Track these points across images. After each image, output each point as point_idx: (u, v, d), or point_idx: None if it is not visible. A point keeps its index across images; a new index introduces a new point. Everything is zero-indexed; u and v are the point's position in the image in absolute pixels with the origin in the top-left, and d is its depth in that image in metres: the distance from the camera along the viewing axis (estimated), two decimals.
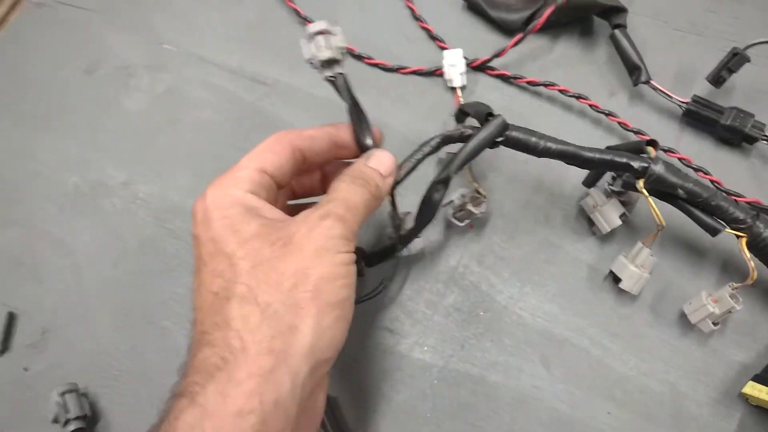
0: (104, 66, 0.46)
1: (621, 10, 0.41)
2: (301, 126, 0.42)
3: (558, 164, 0.33)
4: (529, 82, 0.41)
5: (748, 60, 0.37)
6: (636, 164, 0.32)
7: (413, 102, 0.42)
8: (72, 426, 0.35)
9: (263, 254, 0.24)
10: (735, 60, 0.37)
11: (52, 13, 0.48)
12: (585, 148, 0.32)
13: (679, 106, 0.39)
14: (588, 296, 0.36)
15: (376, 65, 0.43)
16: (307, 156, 0.30)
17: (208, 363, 0.22)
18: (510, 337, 0.35)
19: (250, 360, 0.22)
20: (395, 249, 0.34)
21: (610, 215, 0.35)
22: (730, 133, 0.38)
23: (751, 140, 0.38)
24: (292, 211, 0.29)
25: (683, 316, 0.34)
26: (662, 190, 0.32)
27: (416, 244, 0.36)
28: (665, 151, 0.38)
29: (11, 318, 0.39)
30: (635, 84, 0.40)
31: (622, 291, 0.35)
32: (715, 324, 0.33)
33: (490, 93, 0.42)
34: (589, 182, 0.37)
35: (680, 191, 0.32)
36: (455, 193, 0.36)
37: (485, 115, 0.32)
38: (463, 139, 0.32)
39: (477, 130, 0.32)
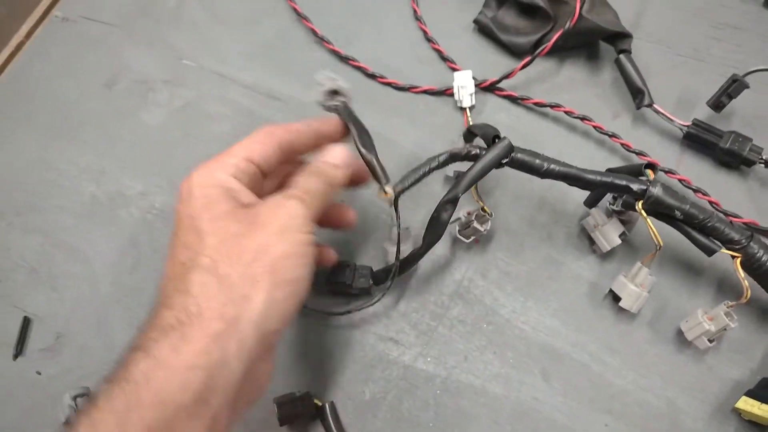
0: (124, 80, 0.49)
1: (626, 36, 0.44)
2: None
3: (561, 184, 0.36)
4: (536, 103, 0.45)
5: (747, 86, 0.40)
6: (635, 187, 0.35)
7: (424, 120, 0.45)
8: None
9: (230, 230, 0.27)
10: (735, 86, 0.40)
11: (75, 28, 0.52)
12: (587, 171, 0.35)
13: (680, 129, 0.42)
14: (588, 312, 0.39)
15: (388, 84, 0.47)
16: (295, 147, 0.33)
17: (165, 323, 0.25)
18: (512, 350, 0.38)
19: (204, 323, 0.25)
20: (402, 268, 0.37)
21: (610, 234, 0.38)
22: (729, 156, 0.40)
23: (749, 163, 0.40)
24: None
25: (680, 333, 0.37)
26: (660, 212, 0.35)
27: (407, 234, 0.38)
28: (666, 172, 0.41)
29: (26, 323, 0.42)
30: (638, 107, 0.43)
31: (621, 308, 0.37)
32: (710, 341, 0.36)
33: (498, 113, 0.45)
34: (591, 202, 0.40)
35: (678, 213, 0.34)
36: (461, 211, 0.39)
37: (492, 138, 0.35)
38: (470, 157, 0.35)
39: (484, 150, 0.35)
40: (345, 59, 0.48)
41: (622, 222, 0.38)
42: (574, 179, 0.36)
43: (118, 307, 0.42)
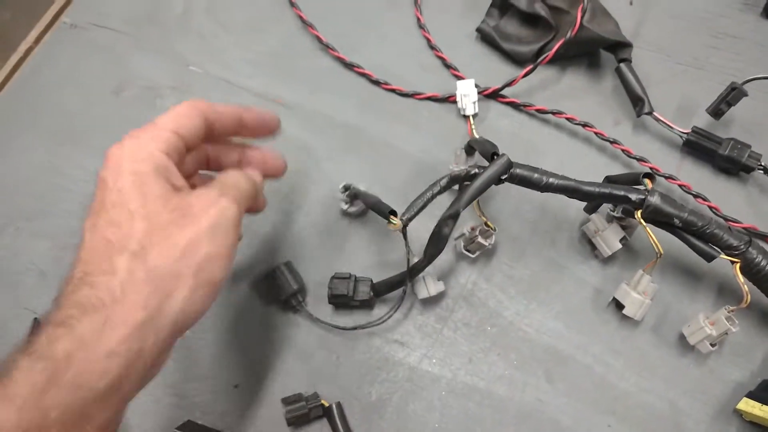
0: (132, 86, 0.50)
1: (626, 45, 0.45)
2: (321, 146, 0.46)
3: None
4: (538, 110, 0.45)
5: (745, 94, 0.41)
6: (633, 197, 0.35)
7: (427, 127, 0.46)
8: None
9: (161, 218, 0.27)
10: (733, 94, 0.41)
11: (84, 34, 0.53)
12: (585, 183, 0.36)
13: (680, 136, 0.43)
14: (591, 315, 0.39)
15: (392, 90, 0.47)
16: (216, 128, 0.33)
17: (86, 301, 0.25)
18: (516, 352, 0.39)
19: (127, 309, 0.25)
20: (403, 282, 0.38)
21: (610, 240, 0.39)
22: (728, 162, 0.41)
23: (748, 170, 0.41)
24: (198, 182, 0.34)
25: (682, 338, 0.38)
26: (660, 220, 0.36)
27: (438, 287, 0.39)
28: (666, 177, 0.42)
29: (36, 324, 0.43)
30: (639, 115, 0.43)
31: (625, 315, 0.38)
32: (712, 345, 0.36)
33: (501, 120, 0.46)
34: (591, 209, 0.40)
35: (676, 221, 0.35)
36: (465, 227, 0.40)
37: (491, 154, 0.36)
38: (470, 178, 0.36)
39: (483, 169, 0.35)
40: (350, 66, 0.48)
41: (623, 227, 0.39)
42: (572, 191, 0.36)
43: None
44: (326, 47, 0.49)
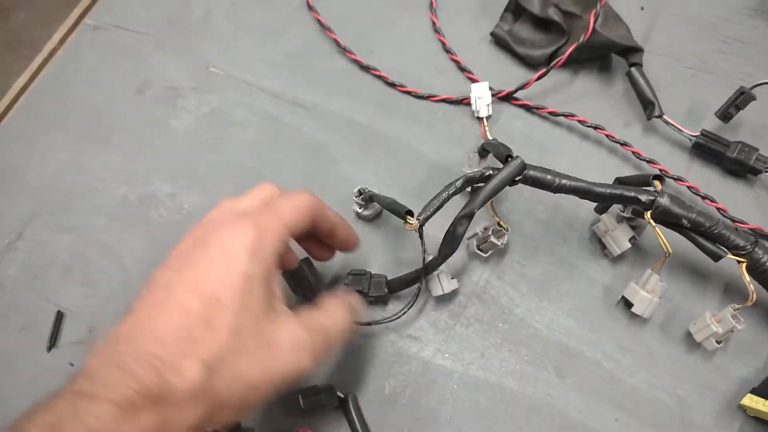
0: (154, 87, 0.52)
1: (638, 50, 0.46)
2: (338, 147, 0.48)
3: None
4: (550, 113, 0.47)
5: (754, 98, 0.42)
6: (644, 198, 0.36)
7: (442, 128, 0.47)
8: None
9: (245, 343, 0.27)
10: (742, 98, 0.42)
11: (107, 36, 0.55)
12: (596, 184, 0.37)
13: (689, 139, 0.44)
14: (601, 313, 0.40)
15: (408, 93, 0.49)
16: (318, 229, 0.35)
17: (146, 383, 0.25)
18: (527, 347, 0.40)
19: (184, 412, 0.26)
20: (418, 279, 0.39)
21: (620, 239, 0.40)
22: (736, 165, 0.42)
23: (756, 172, 0.42)
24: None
25: (689, 335, 0.39)
26: (668, 221, 0.37)
27: (452, 284, 0.40)
28: (675, 179, 0.43)
29: (60, 317, 0.44)
30: (649, 118, 0.45)
31: (634, 313, 0.39)
32: (718, 342, 0.37)
33: (514, 122, 0.47)
34: (601, 209, 0.42)
35: (685, 221, 0.36)
36: (478, 227, 0.41)
37: (505, 157, 0.37)
38: (485, 179, 0.37)
39: (497, 171, 0.36)
40: (366, 68, 0.50)
41: (632, 227, 0.40)
42: (584, 193, 0.38)
43: None
44: (344, 50, 0.50)
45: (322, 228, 0.35)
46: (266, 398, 0.28)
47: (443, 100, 0.48)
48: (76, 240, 0.46)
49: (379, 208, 0.44)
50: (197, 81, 0.51)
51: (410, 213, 0.36)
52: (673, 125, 0.44)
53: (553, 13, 0.47)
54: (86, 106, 0.52)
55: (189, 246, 0.30)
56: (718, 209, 0.42)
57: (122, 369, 0.25)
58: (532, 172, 0.37)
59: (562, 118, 0.47)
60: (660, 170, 0.43)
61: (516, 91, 0.47)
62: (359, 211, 0.44)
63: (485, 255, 0.41)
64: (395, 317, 0.39)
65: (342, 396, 0.39)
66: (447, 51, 0.50)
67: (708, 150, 0.43)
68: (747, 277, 0.36)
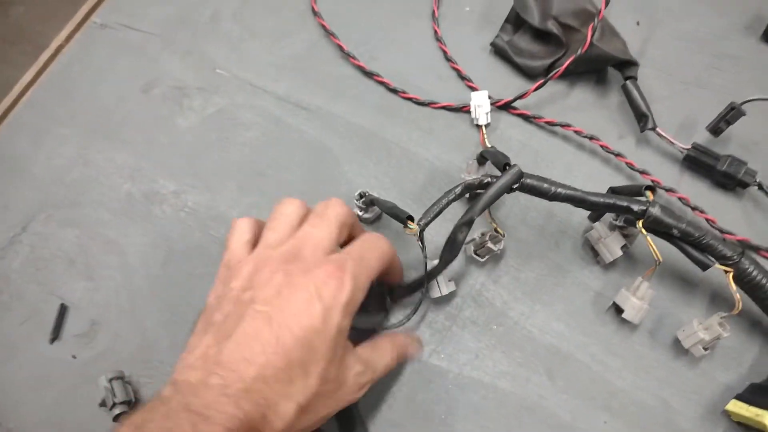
0: (160, 86, 0.52)
1: (633, 64, 0.47)
2: (340, 149, 0.49)
3: None
4: (547, 122, 0.48)
5: (743, 114, 0.43)
6: (636, 207, 0.37)
7: (442, 134, 0.48)
8: (118, 410, 0.40)
9: (327, 386, 0.31)
10: (732, 113, 0.44)
11: (114, 34, 0.55)
12: (590, 193, 0.38)
13: (681, 151, 0.45)
14: (592, 317, 0.41)
15: (409, 99, 0.50)
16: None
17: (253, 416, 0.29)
18: (520, 349, 0.41)
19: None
20: (421, 284, 0.40)
21: (612, 247, 0.41)
22: (726, 178, 0.44)
23: (744, 185, 0.43)
24: None
25: (677, 341, 0.40)
26: (659, 230, 0.38)
27: (450, 287, 0.41)
28: (667, 190, 0.44)
29: (63, 309, 0.45)
30: (642, 130, 0.46)
31: (623, 318, 0.40)
32: (705, 349, 0.38)
33: (512, 130, 0.48)
34: (594, 217, 0.43)
35: (675, 231, 0.37)
36: (476, 232, 0.42)
37: (503, 165, 0.38)
38: (483, 186, 0.38)
39: (495, 178, 0.37)
40: (369, 74, 0.51)
41: (624, 236, 0.41)
42: (579, 201, 0.39)
43: (150, 297, 0.44)
44: (348, 55, 0.51)
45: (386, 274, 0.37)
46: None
47: (443, 107, 0.49)
48: (81, 234, 0.47)
49: (379, 211, 0.45)
50: (204, 81, 0.52)
51: (411, 218, 0.37)
52: (665, 138, 0.45)
53: (552, 26, 0.48)
54: (93, 103, 0.52)
55: (281, 279, 0.32)
56: (708, 220, 0.43)
57: (230, 398, 0.28)
58: (529, 181, 0.38)
59: (558, 128, 0.48)
60: (652, 181, 0.45)
61: (514, 100, 0.48)
62: (360, 214, 0.44)
63: (482, 260, 0.42)
64: (400, 324, 0.40)
65: None
66: (448, 59, 0.51)
67: (699, 163, 0.45)
68: (734, 287, 0.37)
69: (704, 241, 0.37)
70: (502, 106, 0.49)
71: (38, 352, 0.43)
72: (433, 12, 0.53)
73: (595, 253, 0.43)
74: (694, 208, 0.43)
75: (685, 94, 0.49)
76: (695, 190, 0.45)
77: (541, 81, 0.47)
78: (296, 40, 0.53)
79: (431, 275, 0.39)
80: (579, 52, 0.46)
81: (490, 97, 0.48)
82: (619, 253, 0.41)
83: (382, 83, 0.51)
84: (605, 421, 0.39)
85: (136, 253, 0.46)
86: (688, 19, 0.52)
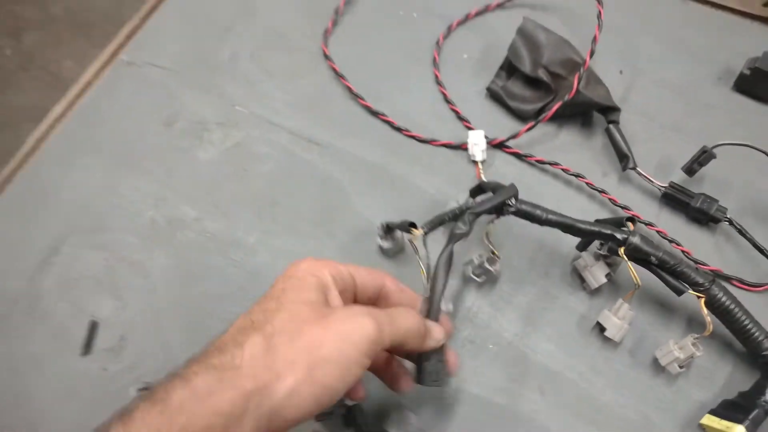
0: (182, 120, 0.57)
1: (615, 109, 0.52)
2: (349, 182, 0.53)
3: (557, 231, 0.43)
4: (537, 161, 0.52)
5: (714, 157, 0.48)
6: (618, 235, 0.42)
7: (441, 170, 0.53)
8: None
9: (302, 314, 0.31)
10: (704, 156, 0.49)
11: (139, 71, 0.60)
12: (579, 221, 0.43)
13: (659, 189, 0.50)
14: (578, 339, 0.45)
15: (412, 137, 0.55)
16: (388, 301, 0.37)
17: (209, 362, 0.29)
18: (513, 367, 0.45)
19: (240, 376, 0.28)
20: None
21: (597, 274, 0.45)
22: (699, 213, 0.48)
23: (716, 221, 0.48)
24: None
25: (655, 360, 0.44)
26: (639, 257, 0.42)
27: (449, 307, 0.45)
28: (646, 224, 0.48)
29: (93, 326, 0.48)
30: (624, 169, 0.51)
31: (606, 338, 0.44)
32: (681, 367, 0.42)
33: (506, 167, 0.53)
34: (581, 246, 0.47)
35: (653, 258, 0.42)
36: (474, 254, 0.46)
37: (500, 188, 0.43)
38: (484, 190, 0.43)
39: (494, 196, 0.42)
40: (375, 113, 0.56)
41: (608, 264, 0.45)
42: (567, 228, 0.43)
43: (174, 315, 0.48)
44: (356, 96, 0.56)
45: (394, 300, 0.37)
46: (329, 363, 0.30)
47: (443, 145, 0.54)
48: (108, 257, 0.50)
49: (400, 242, 0.48)
50: (223, 117, 0.57)
51: (413, 225, 0.41)
52: (645, 176, 0.50)
53: (542, 74, 0.53)
54: (119, 135, 0.56)
55: (311, 318, 0.31)
56: (683, 252, 0.47)
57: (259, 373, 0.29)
58: (524, 206, 0.43)
59: (548, 166, 0.52)
60: (633, 215, 0.49)
61: (508, 140, 0.53)
62: (381, 243, 0.48)
63: (479, 280, 0.46)
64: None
65: (349, 405, 0.43)
66: (447, 101, 0.56)
67: (675, 200, 0.49)
68: (705, 311, 0.41)
69: (679, 269, 0.42)
70: (497, 145, 0.53)
71: (69, 365, 0.46)
72: (434, 58, 0.59)
73: (581, 280, 0.47)
74: (671, 241, 0.48)
75: (663, 137, 0.54)
76: (672, 224, 0.49)
77: (532, 123, 0.52)
78: (309, 81, 0.58)
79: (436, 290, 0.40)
80: (566, 98, 0.51)
81: (486, 137, 0.53)
82: (604, 280, 0.45)
83: (387, 122, 0.55)
84: None
85: (160, 274, 0.50)
86: (667, 69, 0.57)
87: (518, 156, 0.53)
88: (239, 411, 0.28)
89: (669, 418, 0.42)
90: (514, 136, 0.52)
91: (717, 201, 0.48)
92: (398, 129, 0.55)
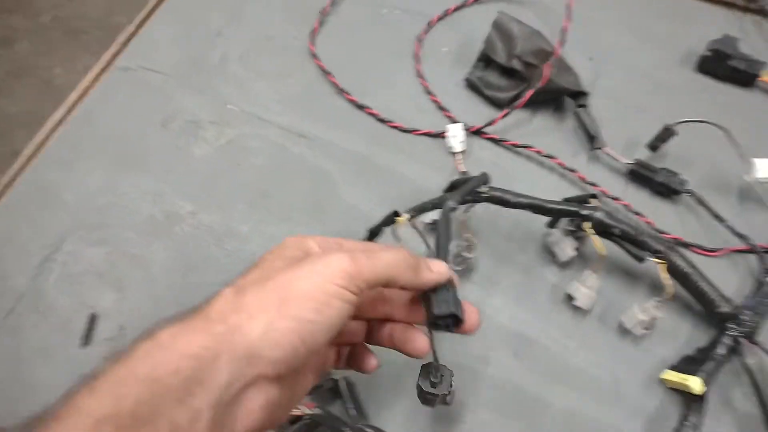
0: (177, 120, 0.62)
1: (584, 94, 0.57)
2: (337, 172, 0.58)
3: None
4: (513, 144, 0.58)
5: (676, 134, 0.53)
6: (584, 212, 0.47)
7: (423, 157, 0.58)
8: None
9: (275, 267, 0.31)
10: (666, 133, 0.54)
11: (135, 75, 0.65)
12: (547, 201, 0.48)
13: (625, 166, 0.55)
14: (551, 307, 0.51)
15: (395, 127, 0.60)
16: (386, 291, 0.35)
17: (179, 319, 0.28)
18: (491, 336, 0.50)
19: (208, 322, 0.28)
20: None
21: (567, 248, 0.50)
22: (662, 187, 0.53)
23: (678, 193, 0.53)
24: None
25: (622, 324, 0.49)
26: (603, 230, 0.47)
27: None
28: (614, 199, 0.54)
29: (93, 319, 0.52)
30: (593, 149, 0.56)
31: (577, 306, 0.49)
32: (645, 329, 0.48)
33: (483, 152, 0.58)
34: (551, 224, 0.52)
35: (616, 230, 0.47)
36: (452, 244, 0.51)
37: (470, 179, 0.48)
38: (462, 183, 0.48)
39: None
40: (361, 107, 0.61)
41: (576, 238, 0.50)
42: (537, 208, 0.49)
43: (173, 304, 0.49)
44: (342, 91, 0.61)
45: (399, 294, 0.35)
46: (302, 298, 0.29)
47: (425, 134, 0.59)
48: (109, 252, 0.55)
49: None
50: (216, 116, 0.62)
51: (397, 214, 0.46)
52: (611, 155, 0.55)
53: (516, 64, 0.58)
54: (118, 137, 0.61)
55: (284, 267, 0.31)
56: (647, 223, 0.52)
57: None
58: (496, 192, 0.48)
59: (522, 149, 0.57)
60: (601, 191, 0.54)
61: (485, 126, 0.58)
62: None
63: (458, 269, 0.51)
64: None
65: (335, 378, 0.47)
66: (428, 93, 0.62)
67: (640, 175, 0.54)
68: (665, 276, 0.46)
69: (640, 239, 0.47)
70: (475, 132, 0.59)
71: (72, 356, 0.50)
72: (416, 53, 0.64)
73: (553, 255, 0.52)
74: (636, 213, 0.53)
75: (630, 118, 0.59)
76: (638, 198, 0.54)
77: (507, 110, 0.57)
78: (297, 79, 0.63)
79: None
80: (538, 85, 0.56)
81: (465, 124, 0.58)
82: (573, 253, 0.50)
83: (372, 114, 0.60)
84: (565, 393, 0.47)
85: (159, 266, 0.54)
86: (632, 55, 0.62)
87: (495, 141, 0.58)
88: (211, 354, 0.26)
89: (635, 375, 0.48)
90: (490, 123, 0.57)
91: (678, 174, 0.53)
92: (382, 121, 0.60)
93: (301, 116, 0.61)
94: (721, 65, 0.59)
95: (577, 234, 0.50)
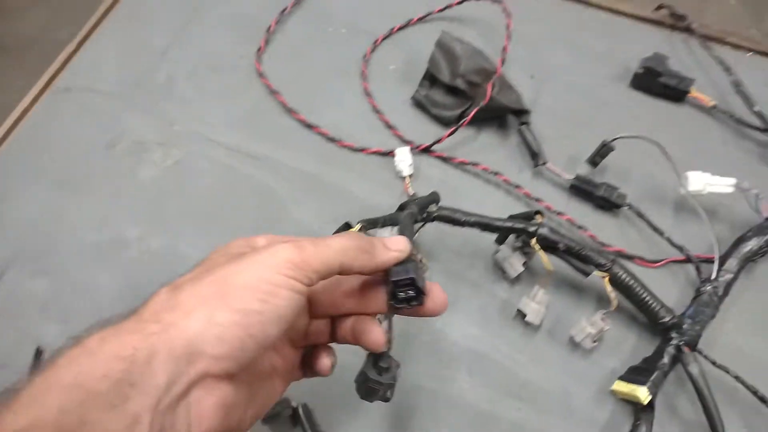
0: (122, 142, 0.57)
1: (526, 111, 0.56)
2: (285, 192, 0.54)
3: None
4: (460, 162, 0.55)
5: (613, 149, 0.52)
6: (530, 228, 0.45)
7: (372, 176, 0.55)
8: None
9: (217, 263, 0.28)
10: (604, 149, 0.52)
11: (77, 96, 0.60)
12: (495, 219, 0.46)
13: (567, 181, 0.53)
14: (502, 323, 0.48)
15: (345, 146, 0.56)
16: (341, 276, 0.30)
17: (108, 324, 0.25)
18: (445, 354, 0.47)
19: (140, 323, 0.25)
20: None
21: (515, 264, 0.48)
22: (603, 201, 0.52)
23: (618, 206, 0.52)
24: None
25: (571, 337, 0.47)
26: (548, 245, 0.45)
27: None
28: (557, 213, 0.52)
29: (39, 353, 0.47)
30: (536, 165, 0.54)
31: (527, 321, 0.47)
32: (594, 341, 0.46)
33: (432, 170, 0.55)
34: (500, 240, 0.50)
35: (560, 245, 0.45)
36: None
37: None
38: (411, 204, 0.45)
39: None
40: (309, 126, 0.57)
41: (525, 254, 0.48)
42: (485, 226, 0.46)
43: None
44: (289, 110, 0.58)
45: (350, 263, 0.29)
46: (244, 289, 0.26)
47: (374, 153, 0.56)
48: (53, 281, 0.50)
49: None
50: (162, 137, 0.57)
51: (348, 225, 0.43)
52: (554, 171, 0.53)
53: (460, 83, 0.56)
54: (60, 160, 0.56)
55: (225, 262, 0.28)
56: (590, 236, 0.51)
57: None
58: (445, 211, 0.45)
59: (470, 166, 0.55)
60: (545, 207, 0.52)
61: (432, 145, 0.55)
62: None
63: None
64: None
65: (294, 406, 0.44)
66: (376, 111, 0.58)
67: (581, 190, 0.53)
68: (609, 288, 0.45)
69: (583, 253, 0.45)
70: (423, 150, 0.56)
71: None
72: (363, 71, 0.60)
73: (502, 271, 0.50)
74: (579, 227, 0.51)
75: (571, 134, 0.57)
76: (580, 212, 0.53)
77: (454, 128, 0.54)
78: (244, 99, 0.59)
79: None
80: (482, 103, 0.54)
81: (412, 143, 0.55)
82: (522, 269, 0.48)
83: (320, 133, 0.57)
84: (519, 408, 0.45)
85: (106, 294, 0.50)
86: (572, 73, 0.61)
87: (443, 159, 0.56)
88: (143, 354, 0.24)
89: (585, 388, 0.46)
90: (438, 141, 0.55)
91: (618, 189, 0.52)
92: (331, 140, 0.57)
93: (249, 136, 0.57)
94: (654, 82, 0.58)
95: (525, 250, 0.48)
